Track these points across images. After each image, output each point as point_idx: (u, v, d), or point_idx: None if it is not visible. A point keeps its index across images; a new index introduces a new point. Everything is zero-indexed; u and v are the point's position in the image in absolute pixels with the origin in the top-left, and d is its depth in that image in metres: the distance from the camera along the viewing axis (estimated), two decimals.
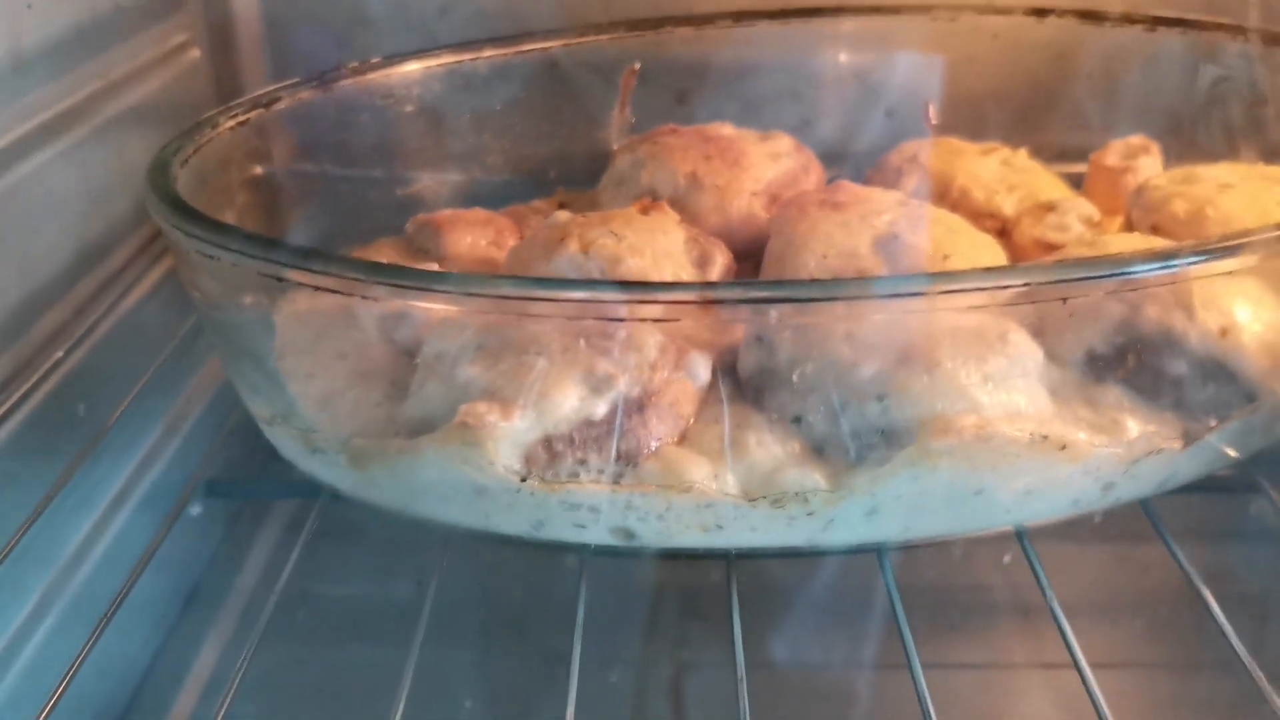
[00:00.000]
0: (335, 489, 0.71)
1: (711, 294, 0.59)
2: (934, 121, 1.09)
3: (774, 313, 0.63)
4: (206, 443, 0.97)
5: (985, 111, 1.11)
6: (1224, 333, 0.68)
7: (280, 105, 0.88)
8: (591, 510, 0.63)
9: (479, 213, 0.93)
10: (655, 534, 0.64)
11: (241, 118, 0.85)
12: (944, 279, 0.61)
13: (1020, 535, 0.70)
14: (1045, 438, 0.63)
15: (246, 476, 0.96)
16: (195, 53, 1.16)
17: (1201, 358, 0.68)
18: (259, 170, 0.91)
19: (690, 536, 0.64)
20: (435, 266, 0.86)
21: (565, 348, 0.65)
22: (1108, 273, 0.59)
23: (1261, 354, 0.68)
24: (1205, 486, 0.83)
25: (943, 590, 0.91)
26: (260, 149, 0.88)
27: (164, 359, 0.93)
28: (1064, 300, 0.61)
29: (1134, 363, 0.68)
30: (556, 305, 0.61)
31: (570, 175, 1.07)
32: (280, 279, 0.62)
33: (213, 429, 0.99)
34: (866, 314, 0.63)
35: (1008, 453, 0.62)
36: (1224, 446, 0.70)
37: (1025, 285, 0.59)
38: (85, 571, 0.85)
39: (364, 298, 0.65)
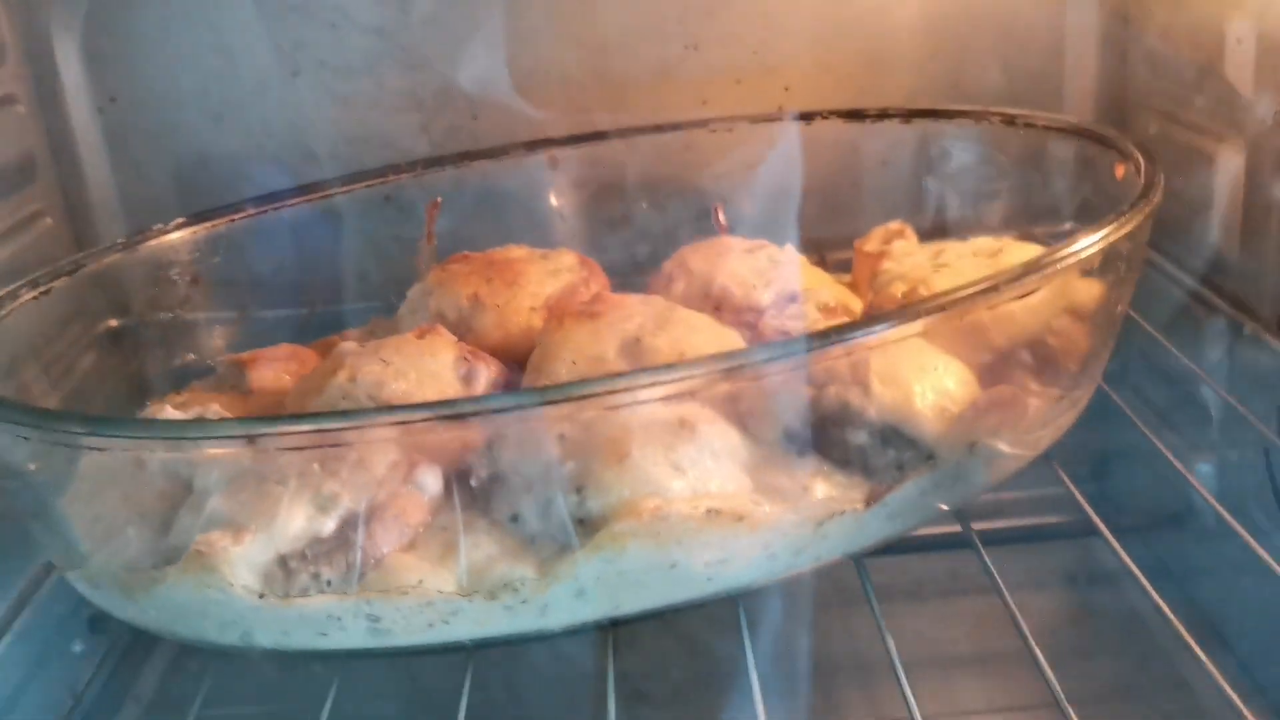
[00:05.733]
0: (122, 619, 0.78)
1: (392, 418, 0.67)
2: (724, 223, 1.18)
3: (478, 426, 0.70)
4: None
5: (776, 207, 1.20)
6: (896, 402, 0.76)
7: (86, 270, 0.96)
8: (328, 618, 0.70)
9: (284, 348, 1.01)
10: (390, 634, 0.71)
11: (44, 287, 0.91)
12: (603, 381, 0.67)
13: (869, 598, 0.77)
14: (719, 511, 0.70)
15: None
16: (48, 220, 1.24)
17: (879, 426, 0.76)
18: (78, 328, 0.98)
19: (423, 634, 0.71)
20: (242, 403, 0.94)
21: (300, 473, 0.72)
22: (733, 365, 0.67)
23: (934, 418, 0.76)
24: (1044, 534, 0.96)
25: None
26: (68, 311, 0.95)
27: None
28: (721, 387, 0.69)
29: (823, 436, 0.76)
30: (284, 439, 0.69)
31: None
32: (70, 445, 0.70)
33: None
34: (553, 417, 0.70)
35: (688, 528, 0.69)
36: (920, 500, 0.77)
37: (678, 379, 0.67)
38: None
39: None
